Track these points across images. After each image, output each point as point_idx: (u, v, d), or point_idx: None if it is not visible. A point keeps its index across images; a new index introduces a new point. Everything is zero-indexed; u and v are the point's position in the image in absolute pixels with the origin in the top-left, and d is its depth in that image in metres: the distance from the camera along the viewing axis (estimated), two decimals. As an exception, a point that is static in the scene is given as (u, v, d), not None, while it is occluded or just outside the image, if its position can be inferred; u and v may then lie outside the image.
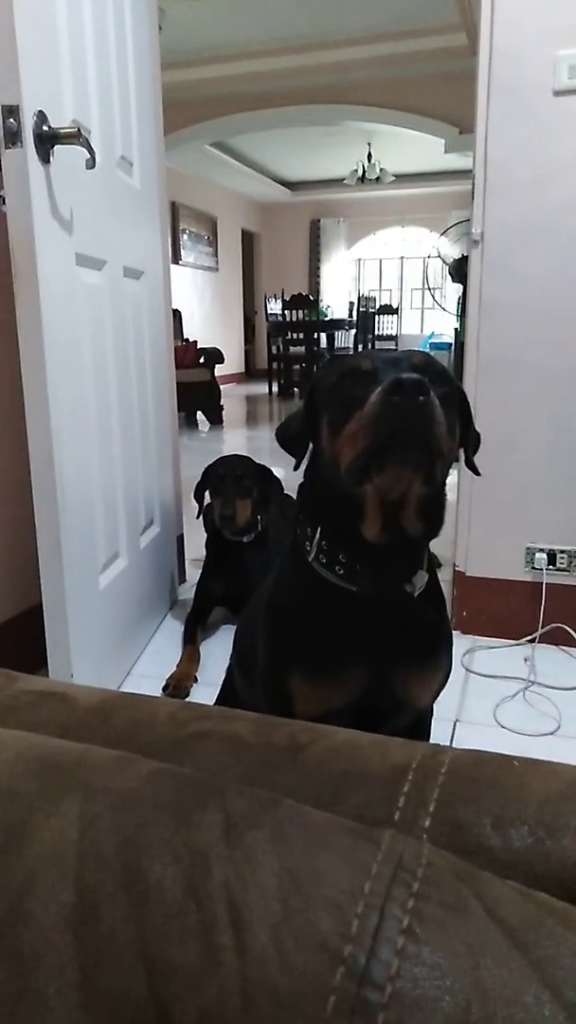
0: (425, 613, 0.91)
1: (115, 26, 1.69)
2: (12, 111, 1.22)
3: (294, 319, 7.78)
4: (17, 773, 0.40)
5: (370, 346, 8.88)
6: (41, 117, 1.27)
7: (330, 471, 0.84)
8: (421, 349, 0.89)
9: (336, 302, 10.58)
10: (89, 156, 1.38)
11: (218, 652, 1.98)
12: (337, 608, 0.90)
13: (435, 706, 1.09)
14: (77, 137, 1.32)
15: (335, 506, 0.86)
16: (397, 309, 10.17)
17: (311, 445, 0.91)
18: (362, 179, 8.66)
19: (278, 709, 0.93)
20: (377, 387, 0.74)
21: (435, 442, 0.75)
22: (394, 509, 0.84)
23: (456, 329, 7.20)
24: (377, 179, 8.58)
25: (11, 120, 1.23)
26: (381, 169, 8.52)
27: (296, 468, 0.95)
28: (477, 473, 0.97)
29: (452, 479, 1.20)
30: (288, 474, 1.17)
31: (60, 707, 0.53)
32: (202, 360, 6.49)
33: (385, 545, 0.86)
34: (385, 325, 9.65)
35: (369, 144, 8.13)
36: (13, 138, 1.23)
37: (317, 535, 0.90)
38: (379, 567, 0.87)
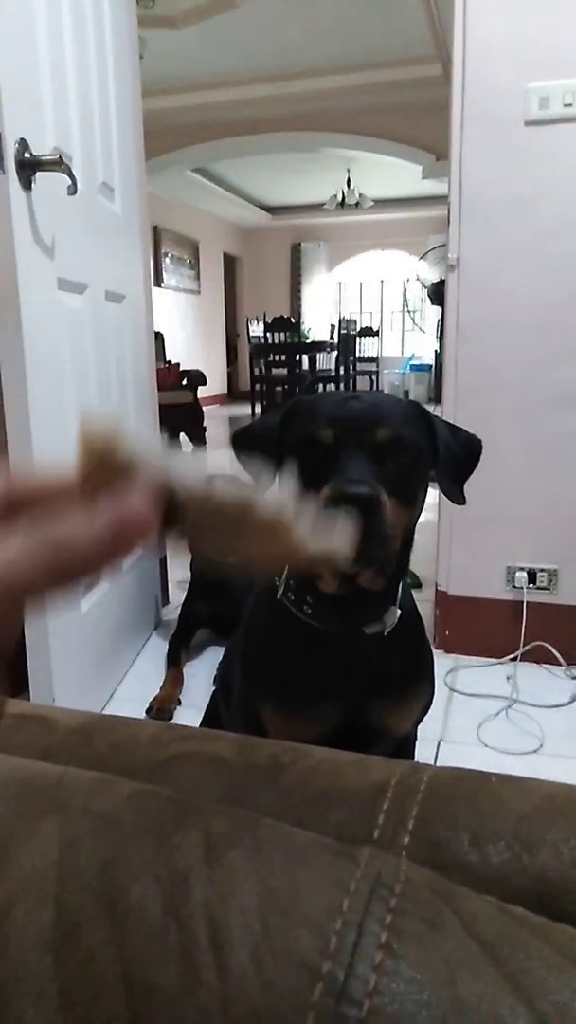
0: (386, 657, 0.90)
1: (96, 55, 1.71)
2: (-6, 139, 1.24)
3: (276, 341, 7.84)
4: (-3, 796, 0.40)
5: (351, 368, 8.95)
6: (23, 145, 1.29)
7: None
8: (390, 401, 0.86)
9: (317, 324, 10.67)
10: (71, 183, 1.40)
11: (202, 674, 1.97)
12: (309, 643, 0.90)
13: (419, 726, 1.09)
14: (59, 164, 1.33)
15: None
16: (378, 331, 10.28)
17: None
18: (342, 204, 8.78)
19: None
20: (335, 468, 0.75)
21: (379, 550, 0.75)
22: (350, 575, 0.84)
23: (436, 351, 7.29)
24: (356, 204, 8.71)
25: (-7, 148, 1.24)
26: (360, 194, 8.65)
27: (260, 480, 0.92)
28: (458, 503, 0.91)
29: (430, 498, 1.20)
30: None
31: (41, 730, 0.53)
32: (184, 382, 6.50)
33: (346, 593, 0.86)
34: (366, 347, 9.74)
35: (348, 170, 8.26)
36: (-5, 165, 1.25)
37: (285, 572, 0.90)
38: (343, 609, 0.87)
